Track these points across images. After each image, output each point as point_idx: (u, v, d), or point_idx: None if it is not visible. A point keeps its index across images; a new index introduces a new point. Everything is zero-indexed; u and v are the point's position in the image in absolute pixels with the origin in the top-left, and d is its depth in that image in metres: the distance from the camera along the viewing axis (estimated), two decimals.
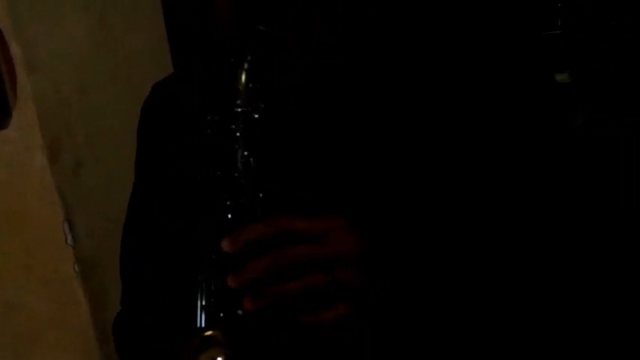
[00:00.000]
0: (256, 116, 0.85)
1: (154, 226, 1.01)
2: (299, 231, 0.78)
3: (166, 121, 1.03)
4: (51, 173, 1.83)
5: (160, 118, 1.05)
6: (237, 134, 0.84)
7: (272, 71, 0.86)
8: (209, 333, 0.80)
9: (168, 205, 0.98)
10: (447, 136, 0.87)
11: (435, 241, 0.85)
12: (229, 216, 0.82)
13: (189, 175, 0.94)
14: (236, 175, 0.84)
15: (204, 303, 0.82)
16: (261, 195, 0.83)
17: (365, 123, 0.89)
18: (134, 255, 1.05)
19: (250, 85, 0.85)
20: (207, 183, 0.86)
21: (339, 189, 0.88)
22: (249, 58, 0.85)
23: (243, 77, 0.85)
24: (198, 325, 0.82)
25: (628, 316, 0.86)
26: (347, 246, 0.79)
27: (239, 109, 0.85)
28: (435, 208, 0.87)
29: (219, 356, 0.78)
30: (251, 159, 0.84)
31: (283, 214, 0.80)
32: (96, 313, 1.86)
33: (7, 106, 1.83)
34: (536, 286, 0.85)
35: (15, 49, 1.79)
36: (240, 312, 0.79)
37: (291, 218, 0.79)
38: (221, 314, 0.81)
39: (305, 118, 0.92)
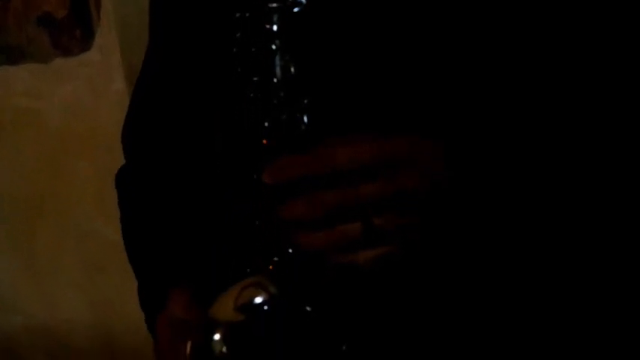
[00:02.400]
0: (295, 10, 0.69)
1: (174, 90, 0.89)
2: (349, 162, 0.66)
3: None
4: (128, 98, 1.82)
5: None
6: (273, 34, 0.69)
7: None
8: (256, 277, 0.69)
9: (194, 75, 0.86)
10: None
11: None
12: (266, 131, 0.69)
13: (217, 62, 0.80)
14: (275, 82, 0.69)
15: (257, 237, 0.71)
16: (305, 102, 0.70)
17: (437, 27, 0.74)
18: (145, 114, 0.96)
19: None
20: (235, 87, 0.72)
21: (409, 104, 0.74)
22: None
23: None
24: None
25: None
26: (406, 178, 0.66)
27: (274, 4, 0.69)
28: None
29: (260, 295, 0.68)
30: (291, 65, 0.69)
31: (332, 137, 0.67)
32: None
33: (90, 28, 1.85)
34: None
35: None
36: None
37: (341, 144, 0.67)
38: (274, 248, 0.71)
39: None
